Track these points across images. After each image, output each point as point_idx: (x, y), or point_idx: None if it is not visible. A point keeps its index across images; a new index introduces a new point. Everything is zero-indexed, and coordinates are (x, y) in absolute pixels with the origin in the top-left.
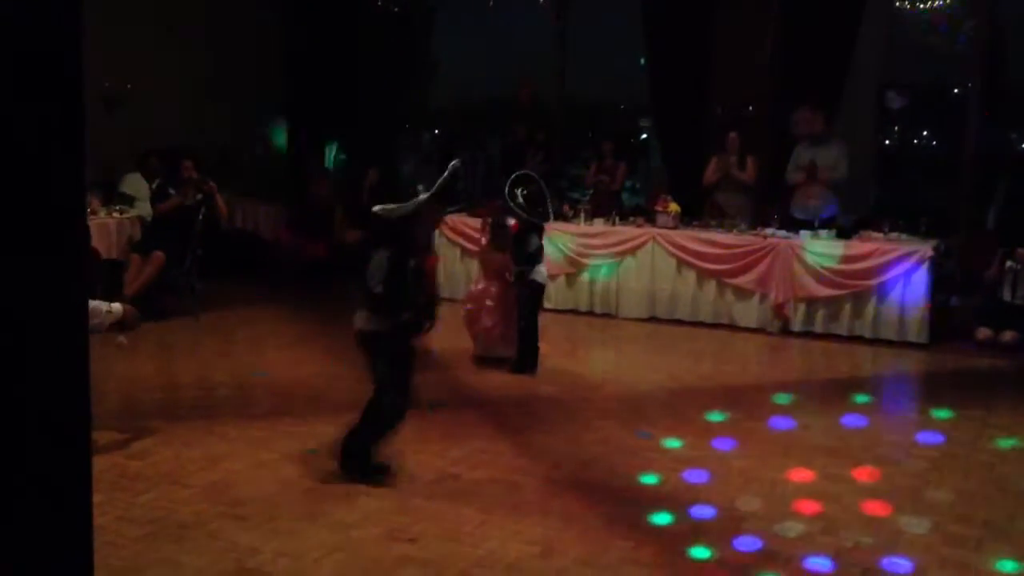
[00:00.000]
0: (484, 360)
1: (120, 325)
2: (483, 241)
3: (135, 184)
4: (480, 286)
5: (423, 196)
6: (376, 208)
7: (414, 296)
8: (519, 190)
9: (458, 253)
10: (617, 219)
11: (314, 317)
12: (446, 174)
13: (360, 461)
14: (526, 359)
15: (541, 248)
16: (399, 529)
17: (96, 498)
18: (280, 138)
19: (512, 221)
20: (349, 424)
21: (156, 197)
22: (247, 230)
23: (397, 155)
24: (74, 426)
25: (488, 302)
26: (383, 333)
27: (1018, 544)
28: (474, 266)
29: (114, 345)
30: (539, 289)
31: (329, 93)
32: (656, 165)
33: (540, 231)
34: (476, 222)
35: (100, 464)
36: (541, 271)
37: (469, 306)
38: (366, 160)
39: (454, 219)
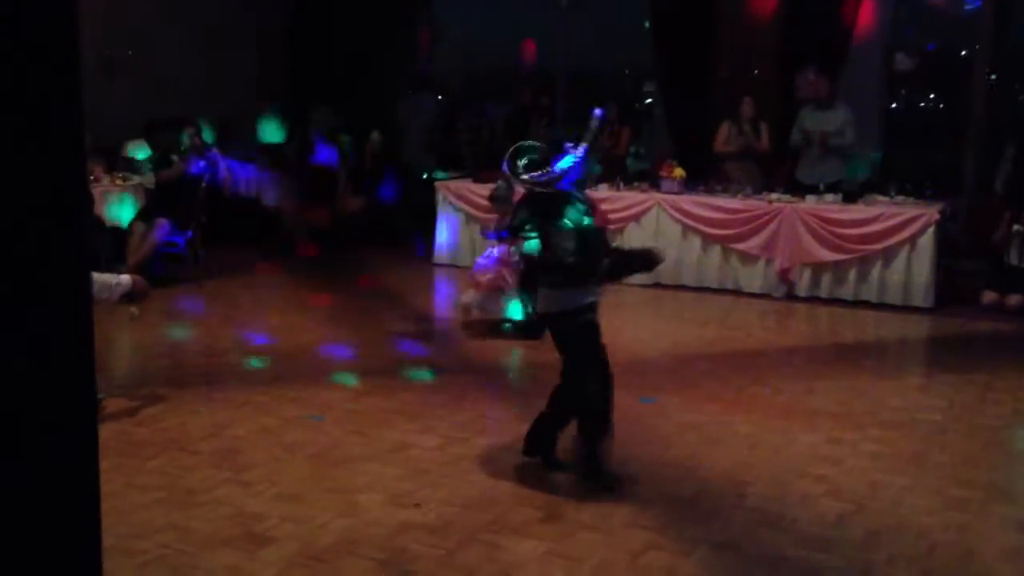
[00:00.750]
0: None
1: (130, 296)
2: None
3: (139, 152)
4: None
5: (581, 150)
6: (530, 176)
7: (601, 260)
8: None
9: (461, 219)
10: (622, 184)
11: (317, 284)
12: (594, 126)
13: (596, 464)
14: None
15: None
16: (404, 495)
17: (104, 464)
18: (274, 132)
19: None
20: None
21: (158, 165)
22: (250, 198)
23: (399, 121)
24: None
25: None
26: (577, 309)
27: (1021, 506)
28: (476, 232)
29: (127, 316)
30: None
31: (331, 58)
32: (660, 130)
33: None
34: (481, 188)
35: (107, 431)
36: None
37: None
38: (368, 126)
39: (457, 184)
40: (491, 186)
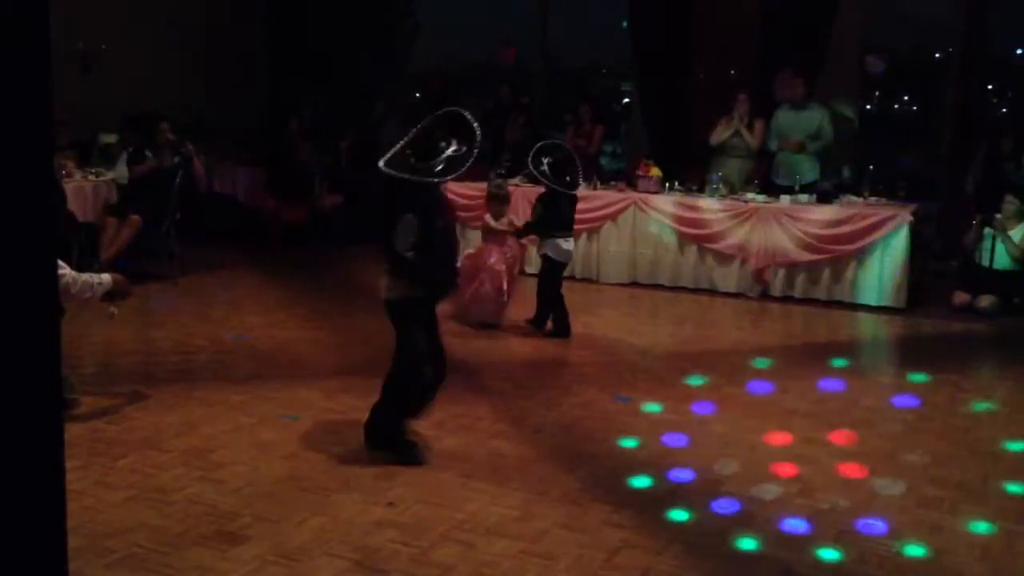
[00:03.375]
0: (468, 323)
1: (110, 295)
2: (487, 218)
3: (112, 146)
4: (485, 252)
5: (449, 153)
6: (393, 170)
7: (445, 257)
8: (544, 159)
9: None
10: (598, 183)
11: (294, 282)
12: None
13: (389, 437)
14: (559, 324)
15: (562, 218)
16: (379, 493)
17: (74, 463)
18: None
19: (509, 188)
20: (373, 403)
21: (133, 159)
22: (225, 194)
23: (376, 118)
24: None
25: (499, 266)
26: (414, 299)
27: (991, 506)
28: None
29: (102, 314)
30: (555, 263)
31: (307, 55)
32: (637, 129)
33: (570, 200)
34: (459, 187)
35: (78, 429)
36: (558, 244)
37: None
38: (344, 123)
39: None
40: (482, 185)
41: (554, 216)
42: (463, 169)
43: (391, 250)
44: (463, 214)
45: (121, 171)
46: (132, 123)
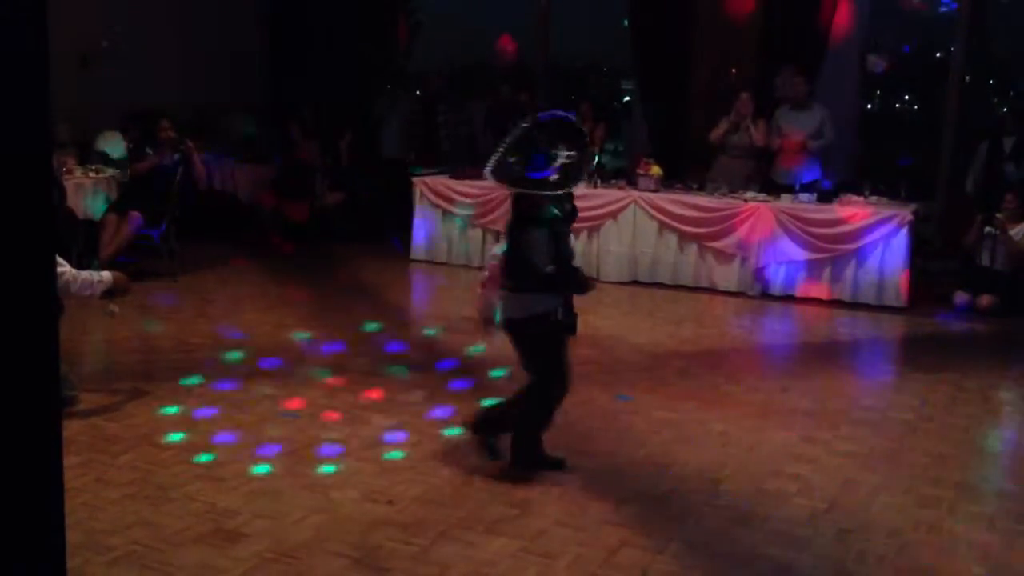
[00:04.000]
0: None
1: (110, 292)
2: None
3: (113, 143)
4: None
5: (565, 161)
6: (502, 179)
7: (574, 266)
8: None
9: (439, 215)
10: (599, 182)
11: (294, 279)
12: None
13: (532, 455)
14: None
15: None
16: (378, 491)
17: (74, 460)
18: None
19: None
20: (494, 416)
21: (133, 157)
22: (226, 191)
23: (376, 117)
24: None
25: None
26: (545, 316)
27: (990, 506)
28: (454, 229)
29: (103, 311)
30: None
31: (310, 52)
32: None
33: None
34: (458, 185)
35: (78, 426)
36: None
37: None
38: (343, 122)
39: (434, 181)
40: (484, 183)
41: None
42: (583, 177)
43: (522, 266)
44: (461, 212)
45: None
46: (133, 121)
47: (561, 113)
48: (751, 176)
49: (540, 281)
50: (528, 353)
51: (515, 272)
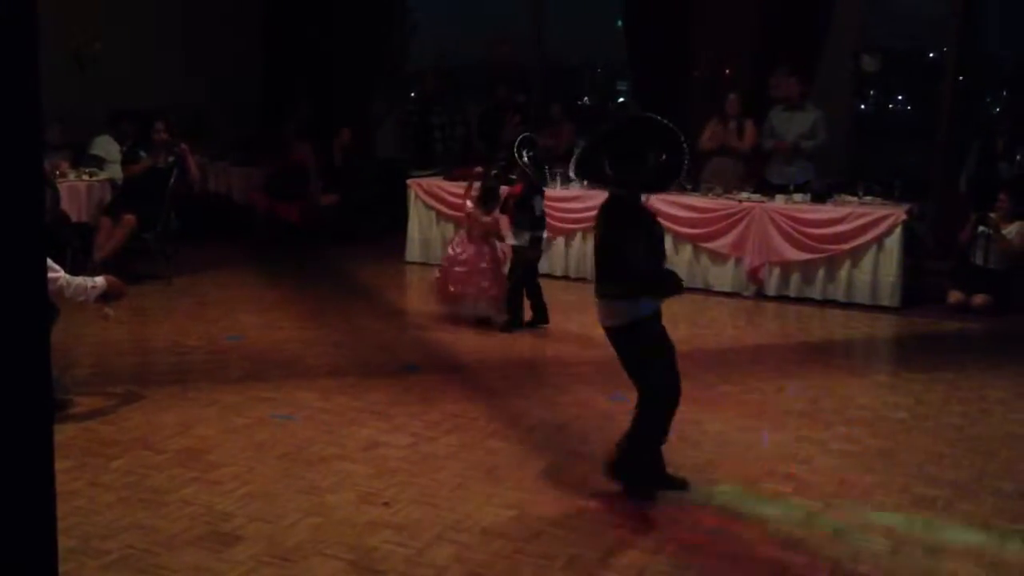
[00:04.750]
0: (465, 321)
1: (105, 296)
2: (468, 204)
3: (105, 146)
4: (466, 248)
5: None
6: (587, 177)
7: (666, 266)
8: (525, 151)
9: (433, 217)
10: (560, 181)
11: (288, 281)
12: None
13: (655, 473)
14: (538, 311)
15: (543, 213)
16: (373, 494)
17: (68, 464)
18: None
19: (508, 185)
20: (620, 440)
21: (127, 159)
22: (220, 193)
23: (372, 116)
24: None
25: (483, 264)
26: (648, 318)
27: (985, 505)
28: (449, 230)
29: (99, 315)
30: (526, 254)
31: (304, 54)
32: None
33: (542, 194)
34: (452, 186)
35: (73, 430)
36: (525, 236)
37: (458, 268)
38: (339, 121)
39: (430, 183)
40: (464, 185)
41: (529, 209)
42: (679, 179)
43: (619, 269)
44: (455, 213)
45: (115, 171)
46: (123, 120)
47: (654, 117)
48: (742, 177)
49: (638, 283)
50: (631, 361)
51: (611, 275)
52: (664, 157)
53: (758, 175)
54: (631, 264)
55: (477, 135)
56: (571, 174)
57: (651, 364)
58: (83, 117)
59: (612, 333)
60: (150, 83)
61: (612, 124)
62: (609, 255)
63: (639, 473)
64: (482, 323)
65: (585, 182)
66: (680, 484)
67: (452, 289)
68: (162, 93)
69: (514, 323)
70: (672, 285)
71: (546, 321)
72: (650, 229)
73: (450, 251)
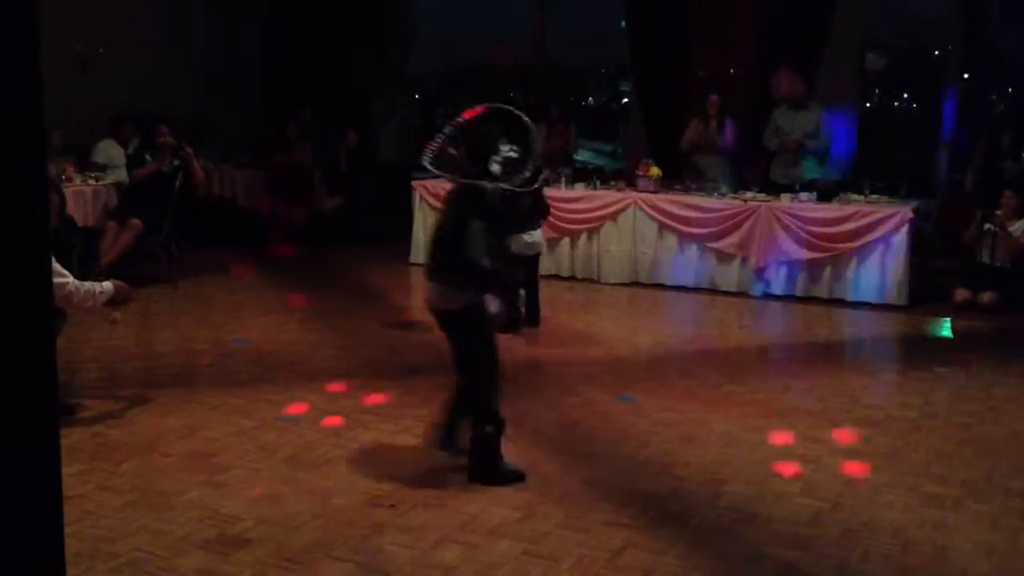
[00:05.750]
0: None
1: (112, 301)
2: None
3: (108, 151)
4: None
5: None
6: (440, 169)
7: (513, 261)
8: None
9: (438, 218)
10: (598, 184)
11: (293, 284)
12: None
13: (492, 462)
14: (531, 312)
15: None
16: (379, 496)
17: (76, 468)
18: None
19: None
20: (446, 423)
21: (133, 163)
22: (225, 196)
23: (375, 119)
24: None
25: None
26: (479, 306)
27: (993, 504)
28: None
29: (106, 320)
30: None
31: (306, 56)
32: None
33: (531, 194)
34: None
35: (80, 434)
36: (521, 239)
37: None
38: (343, 124)
39: (435, 184)
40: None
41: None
42: (527, 174)
43: (459, 257)
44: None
45: (120, 175)
46: (125, 123)
47: (507, 107)
48: (727, 171)
49: (470, 271)
50: (460, 342)
51: (450, 262)
52: (514, 150)
53: (763, 174)
54: (470, 253)
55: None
56: (426, 165)
57: (479, 350)
58: (85, 121)
59: (446, 315)
60: (152, 86)
61: (470, 116)
62: (454, 240)
63: (493, 459)
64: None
65: (443, 173)
66: (519, 476)
67: None
68: (164, 96)
69: (532, 320)
70: (500, 284)
71: (536, 324)
72: (492, 223)
73: None
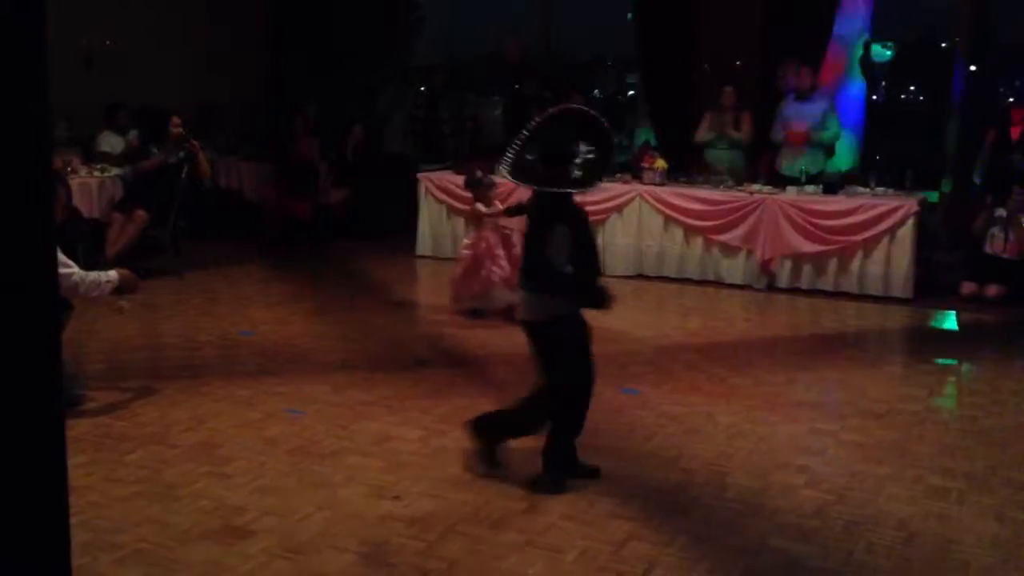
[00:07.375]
0: (478, 314)
1: (119, 291)
2: (479, 207)
3: (110, 141)
4: (482, 239)
5: (587, 156)
6: (520, 178)
7: (597, 269)
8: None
9: (444, 211)
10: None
11: (299, 277)
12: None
13: (568, 464)
14: None
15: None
16: (384, 487)
17: (81, 459)
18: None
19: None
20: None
21: (139, 155)
22: (230, 189)
23: (381, 111)
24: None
25: (498, 250)
26: (569, 317)
27: (999, 496)
28: (460, 225)
29: (112, 310)
30: None
31: (312, 48)
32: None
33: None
34: (455, 178)
35: (85, 425)
36: None
37: (485, 259)
38: (349, 117)
39: (441, 177)
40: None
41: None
42: (606, 174)
43: (540, 265)
44: (459, 205)
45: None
46: (120, 112)
47: (582, 109)
48: (742, 168)
49: (551, 280)
50: (545, 357)
51: (532, 271)
52: (592, 152)
53: (769, 167)
54: (552, 264)
55: (504, 129)
56: (505, 176)
57: (560, 363)
58: (90, 114)
59: (527, 327)
60: (158, 80)
61: (539, 120)
62: (533, 250)
63: (557, 464)
64: (508, 315)
65: (521, 184)
66: (592, 472)
67: (476, 287)
68: (172, 89)
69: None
70: (596, 298)
71: None
72: (579, 230)
73: (464, 252)
